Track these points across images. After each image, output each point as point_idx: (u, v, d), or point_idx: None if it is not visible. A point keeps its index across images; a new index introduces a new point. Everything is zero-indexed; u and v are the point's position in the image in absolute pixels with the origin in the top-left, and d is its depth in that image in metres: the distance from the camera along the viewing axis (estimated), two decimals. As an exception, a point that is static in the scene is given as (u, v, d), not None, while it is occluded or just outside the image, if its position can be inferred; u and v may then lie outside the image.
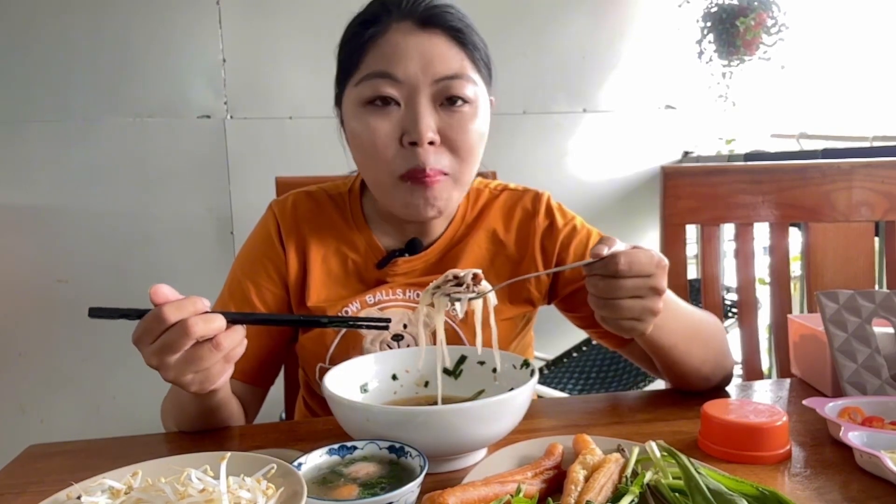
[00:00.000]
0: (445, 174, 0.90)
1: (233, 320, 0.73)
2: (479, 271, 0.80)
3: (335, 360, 0.95)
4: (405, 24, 0.87)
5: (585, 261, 0.76)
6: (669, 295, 0.86)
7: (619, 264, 0.73)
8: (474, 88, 0.89)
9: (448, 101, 0.88)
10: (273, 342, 1.00)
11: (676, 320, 0.89)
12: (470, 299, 0.80)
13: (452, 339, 0.97)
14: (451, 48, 0.88)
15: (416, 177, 0.88)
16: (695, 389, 0.96)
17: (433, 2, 0.88)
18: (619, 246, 0.76)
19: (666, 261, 0.76)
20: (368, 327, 0.90)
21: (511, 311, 1.01)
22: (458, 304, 0.80)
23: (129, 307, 0.71)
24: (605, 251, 0.74)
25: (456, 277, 0.80)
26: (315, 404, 1.09)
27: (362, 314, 0.97)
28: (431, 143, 0.87)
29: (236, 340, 0.73)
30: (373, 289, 0.99)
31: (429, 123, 0.86)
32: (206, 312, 0.70)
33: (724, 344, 0.99)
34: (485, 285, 0.80)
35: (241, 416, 0.95)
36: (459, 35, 0.88)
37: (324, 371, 0.98)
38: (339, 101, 0.95)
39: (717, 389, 0.98)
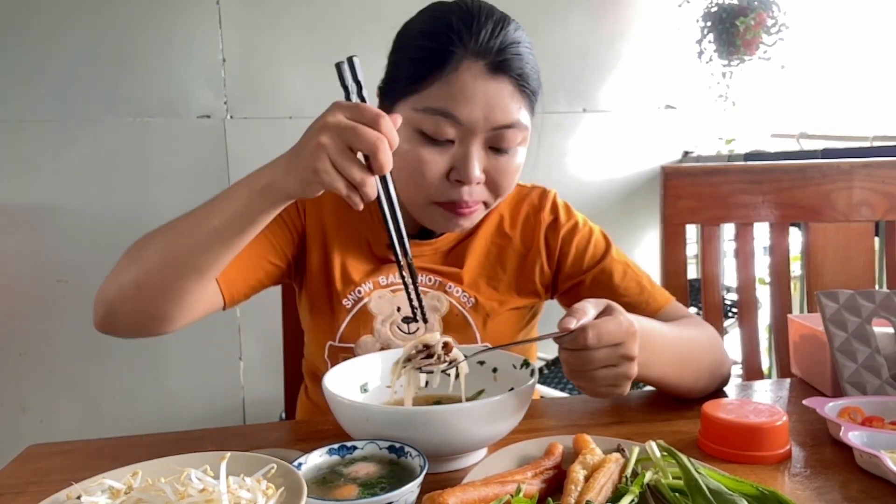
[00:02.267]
0: (480, 203, 0.93)
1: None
2: (450, 339, 0.81)
3: (345, 339, 0.98)
4: (477, 66, 0.85)
5: (553, 333, 0.75)
6: (652, 326, 0.86)
7: (587, 339, 0.72)
8: (524, 133, 0.91)
9: (499, 147, 0.89)
10: (262, 275, 0.98)
11: (664, 352, 0.87)
12: (442, 371, 0.80)
13: (461, 323, 1.00)
14: (513, 96, 0.87)
15: (455, 208, 0.91)
16: (692, 399, 0.96)
17: (506, 41, 0.87)
18: (588, 315, 0.74)
19: (635, 326, 0.75)
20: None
21: (519, 302, 1.03)
22: (423, 376, 0.81)
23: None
24: (574, 324, 0.73)
25: (427, 347, 0.79)
26: (318, 396, 1.08)
27: (374, 295, 1.00)
28: (476, 182, 0.90)
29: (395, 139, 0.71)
30: (386, 270, 1.01)
31: (478, 166, 0.88)
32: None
33: (718, 355, 0.98)
34: (456, 353, 0.80)
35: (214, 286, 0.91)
36: (523, 82, 0.88)
37: (333, 349, 1.00)
38: (386, 96, 0.94)
39: (716, 392, 0.98)
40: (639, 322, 0.78)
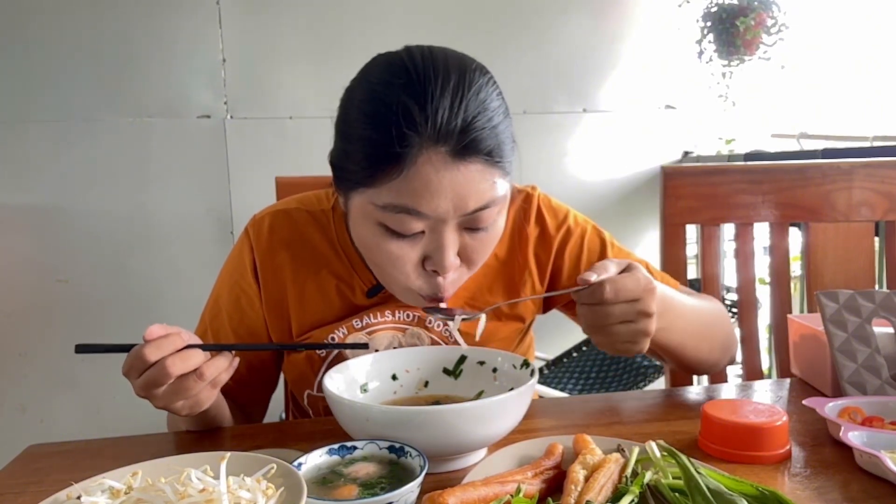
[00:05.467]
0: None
1: (212, 350, 0.77)
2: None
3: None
4: (437, 155, 0.73)
5: (574, 288, 0.76)
6: (672, 294, 0.86)
7: (605, 292, 0.73)
8: (501, 205, 0.81)
9: (475, 227, 0.80)
10: (247, 366, 0.99)
11: (683, 319, 0.88)
12: (463, 320, 0.82)
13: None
14: (484, 175, 0.76)
15: (432, 300, 0.84)
16: (702, 374, 0.98)
17: (469, 115, 0.74)
18: (609, 271, 0.75)
19: (654, 283, 0.76)
20: (346, 347, 0.91)
21: (509, 328, 0.99)
22: (451, 324, 0.81)
23: (114, 343, 0.77)
24: (593, 278, 0.74)
25: None
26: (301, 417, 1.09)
27: (349, 339, 0.94)
28: None
29: (221, 367, 0.76)
30: (360, 312, 0.96)
31: (454, 254, 0.80)
32: (188, 346, 0.74)
33: (728, 327, 1.00)
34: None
35: (234, 423, 0.95)
36: (496, 157, 0.76)
37: (312, 398, 0.98)
38: (339, 178, 0.83)
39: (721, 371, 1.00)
40: (659, 286, 0.79)
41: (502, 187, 0.79)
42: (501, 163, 0.78)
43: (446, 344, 0.96)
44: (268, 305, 0.97)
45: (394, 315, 0.96)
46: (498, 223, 0.83)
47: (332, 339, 0.95)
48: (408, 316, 0.96)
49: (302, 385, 0.98)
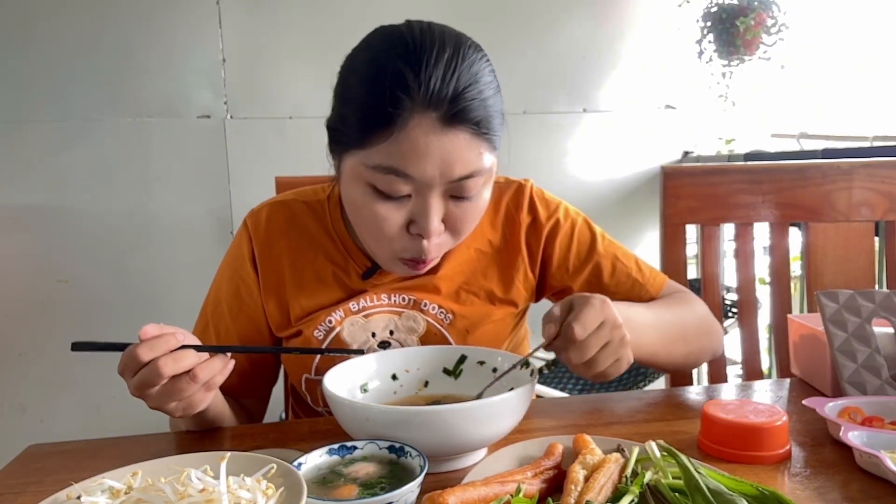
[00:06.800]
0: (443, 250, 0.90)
1: (204, 351, 0.77)
2: None
3: (321, 371, 0.93)
4: (427, 120, 0.76)
5: (545, 342, 0.77)
6: (634, 312, 0.89)
7: (575, 333, 0.73)
8: (487, 176, 0.84)
9: (460, 195, 0.84)
10: (249, 358, 1.00)
11: (649, 332, 0.91)
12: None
13: (441, 342, 0.97)
14: (471, 144, 0.79)
15: (415, 264, 0.88)
16: (689, 370, 1.06)
17: (460, 85, 0.77)
18: (556, 314, 0.76)
19: (606, 298, 0.76)
20: (342, 352, 0.92)
21: (502, 311, 1.01)
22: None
23: (111, 341, 0.77)
24: (554, 329, 0.75)
25: None
26: (302, 412, 1.09)
27: (346, 323, 0.96)
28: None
29: (215, 369, 0.76)
30: (357, 296, 0.97)
31: (438, 219, 0.83)
32: (183, 347, 0.74)
33: (705, 326, 1.02)
34: None
35: (235, 422, 0.96)
36: (483, 128, 0.80)
37: (310, 382, 0.98)
38: (334, 141, 0.87)
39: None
40: (618, 306, 0.79)
41: (488, 159, 0.83)
42: (489, 135, 0.81)
43: (441, 327, 0.98)
44: (266, 292, 0.99)
45: (389, 298, 0.98)
46: (483, 195, 0.87)
47: (330, 321, 0.97)
48: (403, 300, 0.98)
49: (300, 369, 0.99)
